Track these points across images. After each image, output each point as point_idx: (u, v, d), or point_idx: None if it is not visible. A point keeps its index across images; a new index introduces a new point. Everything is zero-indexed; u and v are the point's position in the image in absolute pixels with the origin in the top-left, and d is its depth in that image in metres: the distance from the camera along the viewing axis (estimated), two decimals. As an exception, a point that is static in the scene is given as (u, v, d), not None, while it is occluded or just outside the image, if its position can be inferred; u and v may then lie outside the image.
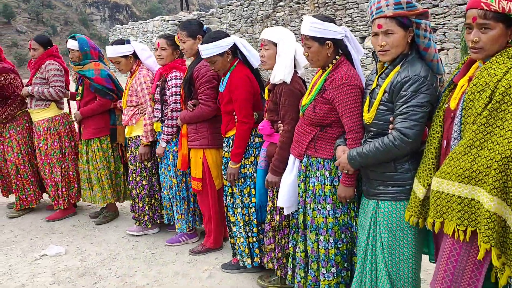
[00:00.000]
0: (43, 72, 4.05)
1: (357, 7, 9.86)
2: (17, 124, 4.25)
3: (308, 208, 2.41)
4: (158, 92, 3.42)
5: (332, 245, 2.34)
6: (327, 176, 2.33)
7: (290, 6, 11.95)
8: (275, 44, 2.66)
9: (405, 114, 1.93)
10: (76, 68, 3.91)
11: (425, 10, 2.01)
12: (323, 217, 2.34)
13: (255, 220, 2.95)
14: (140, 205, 3.72)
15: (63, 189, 4.16)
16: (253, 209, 2.95)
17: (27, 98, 4.16)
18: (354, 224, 2.36)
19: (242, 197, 2.97)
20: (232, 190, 3.01)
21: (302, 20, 10.46)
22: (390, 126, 2.02)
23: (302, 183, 2.45)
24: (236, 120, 2.90)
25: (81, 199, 4.22)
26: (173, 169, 3.44)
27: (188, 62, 3.44)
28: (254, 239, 2.98)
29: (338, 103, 2.23)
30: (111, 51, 3.60)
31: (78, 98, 4.01)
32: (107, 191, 4.05)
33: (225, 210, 3.12)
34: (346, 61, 2.33)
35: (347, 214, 2.35)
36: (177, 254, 3.47)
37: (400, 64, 2.00)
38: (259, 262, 3.01)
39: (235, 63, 2.93)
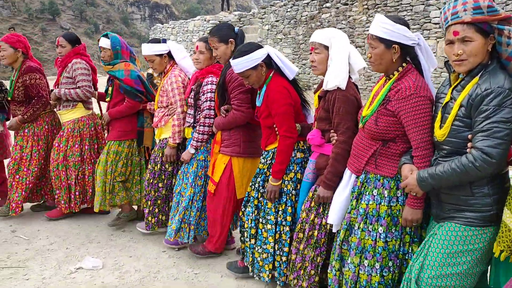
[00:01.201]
0: (70, 71, 3.91)
1: (411, 9, 9.29)
2: (36, 125, 4.07)
3: (356, 228, 2.20)
4: (192, 97, 3.26)
5: (377, 272, 2.14)
6: (385, 195, 2.14)
7: (337, 7, 11.47)
8: (326, 48, 2.48)
9: (487, 131, 1.72)
10: (106, 68, 3.76)
11: (509, 15, 1.78)
12: (372, 240, 2.15)
13: (288, 239, 2.75)
14: (151, 208, 3.62)
15: (76, 193, 4.01)
16: (287, 228, 2.75)
17: (54, 101, 4.01)
18: (410, 251, 2.16)
19: (276, 214, 2.77)
20: (259, 203, 2.84)
21: (349, 22, 10.00)
22: (469, 144, 1.81)
23: (354, 200, 2.25)
24: (277, 133, 2.72)
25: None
26: (193, 178, 3.29)
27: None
28: (284, 258, 2.77)
29: (405, 116, 2.03)
30: (147, 49, 3.51)
31: (107, 99, 3.88)
32: (106, 196, 3.83)
33: (247, 222, 2.90)
34: (414, 69, 2.13)
35: (400, 240, 2.15)
36: (222, 276, 3.13)
37: (479, 75, 1.81)
38: (285, 281, 2.80)
39: (270, 75, 2.75)
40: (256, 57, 2.67)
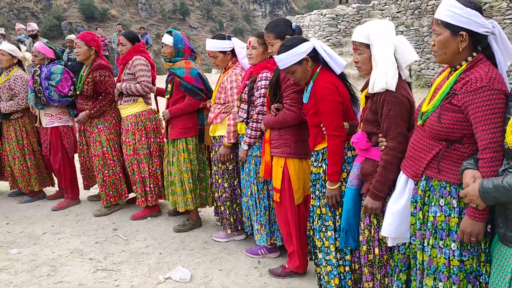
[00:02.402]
0: (131, 68, 4.02)
1: None
2: (105, 120, 4.25)
3: (426, 245, 1.94)
4: (246, 92, 3.20)
5: None
6: (454, 206, 1.84)
7: (471, -6, 10.09)
8: (367, 46, 2.24)
9: None
10: (166, 65, 3.78)
11: None
12: (445, 258, 1.86)
13: (349, 245, 2.51)
14: (222, 208, 3.59)
15: (151, 185, 4.12)
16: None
17: (117, 96, 4.15)
18: (484, 272, 1.83)
19: (333, 219, 2.57)
20: (321, 211, 2.62)
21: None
22: None
23: (420, 212, 1.97)
24: (325, 133, 2.55)
25: (165, 199, 4.15)
26: (254, 175, 3.21)
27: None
28: (347, 268, 2.55)
29: (473, 112, 1.74)
30: (211, 45, 3.48)
31: (167, 96, 3.90)
32: (188, 195, 3.83)
33: (311, 233, 2.76)
34: (486, 60, 1.82)
35: (477, 258, 1.83)
36: (314, 307, 2.77)
37: None
38: None
39: (317, 70, 2.59)
40: (301, 51, 2.52)
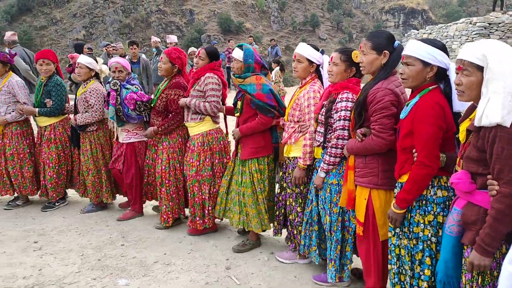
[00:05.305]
0: (201, 85, 3.88)
1: None
2: (170, 138, 4.18)
3: None
4: (323, 113, 2.98)
5: None
6: None
7: None
8: (480, 69, 1.91)
9: None
10: (236, 81, 3.62)
11: None
12: None
13: None
14: (295, 232, 3.47)
15: (209, 208, 3.98)
16: (425, 284, 2.30)
17: (184, 112, 4.04)
18: None
19: (411, 263, 2.35)
20: (400, 251, 2.40)
21: None
22: None
23: None
24: (414, 159, 2.26)
25: (223, 218, 4.06)
26: (328, 204, 2.98)
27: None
28: None
29: None
30: (303, 49, 3.27)
31: (237, 114, 3.75)
32: (264, 216, 3.68)
33: (390, 274, 2.50)
34: None
35: None
36: None
37: None
38: None
39: (430, 87, 2.31)
40: (439, 57, 2.26)
